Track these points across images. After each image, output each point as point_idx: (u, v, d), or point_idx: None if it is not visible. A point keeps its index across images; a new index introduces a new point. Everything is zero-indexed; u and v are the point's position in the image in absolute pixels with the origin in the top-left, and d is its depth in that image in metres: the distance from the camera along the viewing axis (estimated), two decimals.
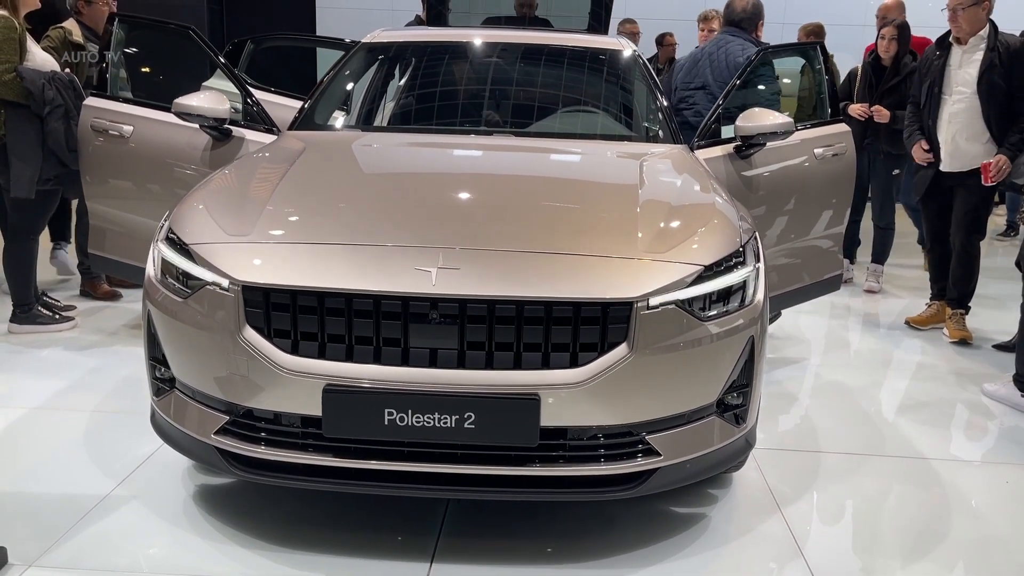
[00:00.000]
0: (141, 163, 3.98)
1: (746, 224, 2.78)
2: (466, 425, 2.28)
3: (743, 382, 2.57)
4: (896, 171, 5.93)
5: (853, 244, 6.32)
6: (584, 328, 2.31)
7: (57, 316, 4.57)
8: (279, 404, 2.36)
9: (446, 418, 2.27)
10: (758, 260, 2.66)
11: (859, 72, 6.02)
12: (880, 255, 6.11)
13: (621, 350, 2.33)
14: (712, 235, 2.64)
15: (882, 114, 5.72)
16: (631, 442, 2.41)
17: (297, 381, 2.30)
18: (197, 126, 3.81)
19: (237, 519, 2.68)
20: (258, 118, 3.98)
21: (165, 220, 2.76)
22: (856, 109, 5.79)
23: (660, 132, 3.79)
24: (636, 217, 2.65)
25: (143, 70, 5.00)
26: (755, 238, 2.74)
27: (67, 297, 4.97)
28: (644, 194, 2.84)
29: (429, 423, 2.28)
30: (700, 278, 2.44)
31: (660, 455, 2.42)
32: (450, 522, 2.70)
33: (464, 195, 2.91)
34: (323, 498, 2.78)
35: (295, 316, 2.33)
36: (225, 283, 2.39)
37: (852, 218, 6.16)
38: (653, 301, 2.34)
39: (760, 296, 2.61)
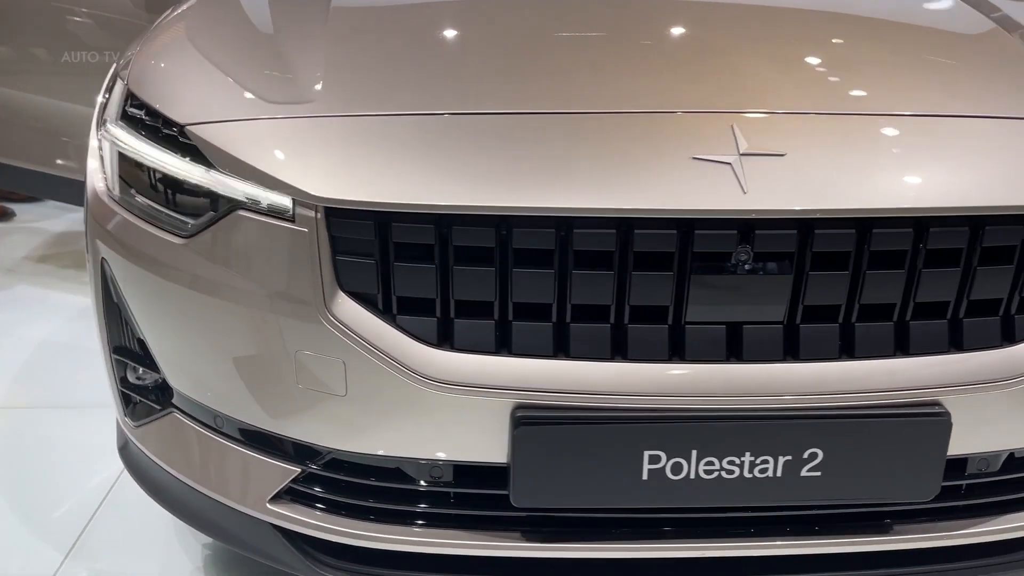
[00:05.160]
0: (27, 4, 2.72)
1: None
2: (805, 471, 1.20)
3: None
4: None
5: None
6: None
7: None
8: (413, 446, 1.22)
9: (767, 461, 1.20)
10: None
11: None
12: None
13: None
14: None
15: None
16: None
17: (454, 401, 1.16)
18: None
19: None
20: None
21: (115, 79, 1.44)
22: None
23: None
24: None
25: None
26: None
27: None
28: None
29: (731, 472, 1.20)
30: None
31: None
32: None
33: (721, 31, 1.53)
34: None
35: (446, 270, 1.12)
36: (286, 202, 1.13)
37: None
38: None
39: None
